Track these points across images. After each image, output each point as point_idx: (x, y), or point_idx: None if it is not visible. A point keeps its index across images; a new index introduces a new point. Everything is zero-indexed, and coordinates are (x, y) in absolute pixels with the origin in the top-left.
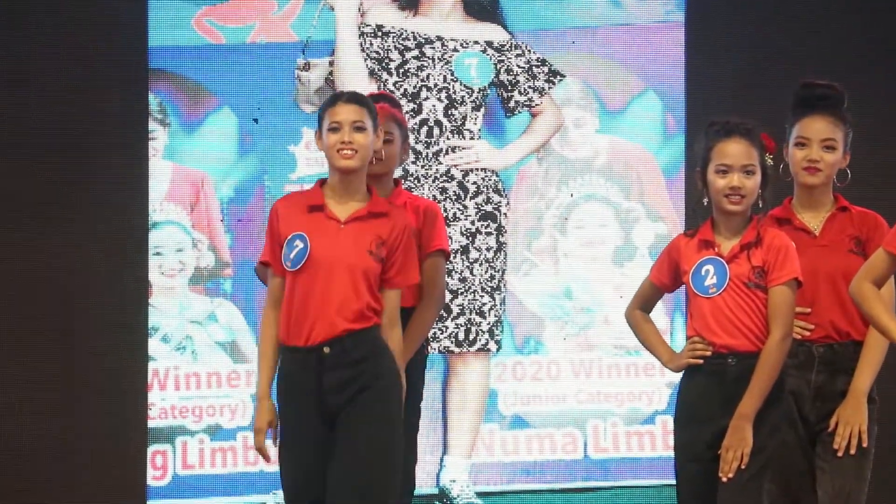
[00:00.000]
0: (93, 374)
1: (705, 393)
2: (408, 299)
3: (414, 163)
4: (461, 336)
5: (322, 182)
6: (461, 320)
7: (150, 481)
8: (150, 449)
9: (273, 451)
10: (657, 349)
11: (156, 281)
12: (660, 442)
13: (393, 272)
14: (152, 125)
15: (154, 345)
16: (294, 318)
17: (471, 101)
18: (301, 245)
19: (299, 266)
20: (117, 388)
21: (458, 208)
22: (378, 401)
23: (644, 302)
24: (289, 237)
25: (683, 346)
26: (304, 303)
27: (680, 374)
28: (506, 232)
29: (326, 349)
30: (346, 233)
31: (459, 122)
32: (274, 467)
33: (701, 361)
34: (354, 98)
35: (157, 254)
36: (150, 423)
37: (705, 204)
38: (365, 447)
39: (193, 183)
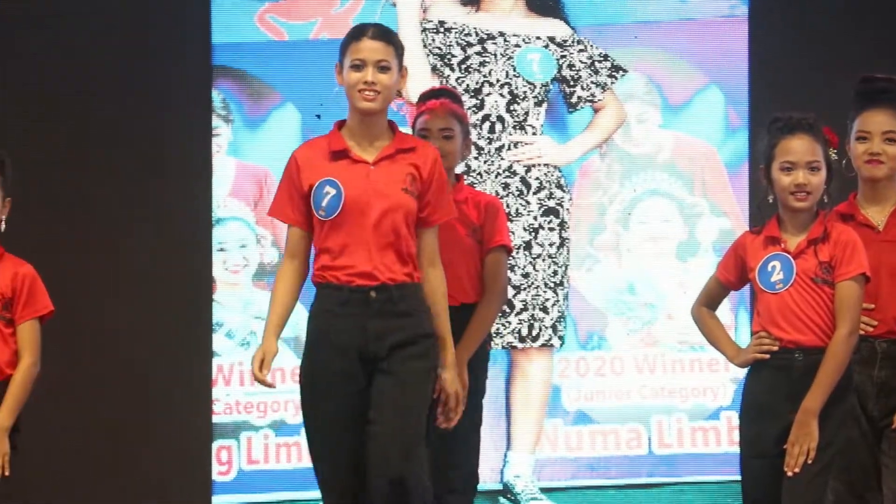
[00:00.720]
0: (158, 369)
1: (771, 388)
2: (470, 295)
3: (476, 158)
4: (524, 332)
5: (340, 124)
6: (524, 316)
7: (215, 476)
8: (215, 444)
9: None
10: (723, 345)
11: (220, 277)
12: (724, 438)
13: (429, 210)
14: (216, 122)
15: (219, 340)
16: (335, 261)
17: (533, 97)
18: (333, 191)
19: (335, 213)
20: (182, 384)
21: (521, 204)
22: (421, 358)
23: (710, 299)
24: (316, 185)
25: (749, 342)
26: (344, 247)
27: (745, 370)
28: (568, 227)
29: (373, 293)
30: (377, 174)
31: (522, 118)
32: None
33: (767, 357)
34: (381, 34)
35: (221, 250)
36: (215, 419)
37: (770, 201)
38: (404, 398)
39: (257, 179)
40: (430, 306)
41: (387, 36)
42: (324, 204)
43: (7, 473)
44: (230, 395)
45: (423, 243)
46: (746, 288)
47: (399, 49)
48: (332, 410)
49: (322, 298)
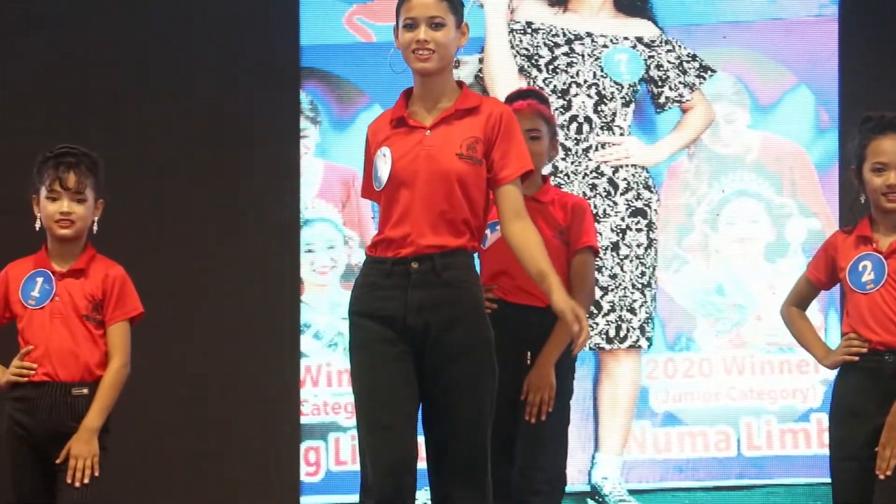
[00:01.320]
0: (246, 370)
1: (861, 390)
2: None
3: (563, 159)
4: (612, 333)
5: (409, 91)
6: (612, 317)
7: (303, 477)
8: (303, 445)
9: None
10: (813, 346)
11: (308, 278)
12: (814, 440)
13: (496, 168)
14: (304, 123)
15: (306, 342)
16: (384, 233)
17: (621, 97)
18: (384, 161)
19: (384, 184)
20: (270, 385)
21: (608, 205)
22: (470, 344)
23: (800, 299)
24: (375, 156)
25: (838, 343)
26: (394, 218)
27: (835, 372)
28: (656, 228)
29: (415, 264)
30: (431, 139)
31: (609, 119)
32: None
33: (857, 359)
34: None
35: (309, 251)
36: (303, 420)
37: (862, 202)
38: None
39: (344, 180)
40: (528, 259)
41: None
42: (378, 175)
43: (97, 474)
44: (318, 396)
45: (500, 202)
46: (836, 289)
47: (456, 4)
48: (376, 378)
49: (367, 271)
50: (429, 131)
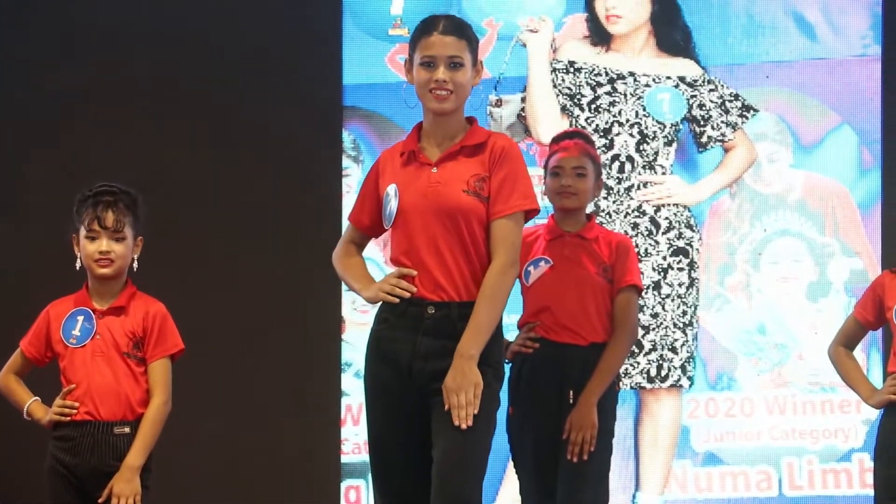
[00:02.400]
0: (287, 408)
1: None
2: (600, 334)
3: (605, 198)
4: (653, 372)
5: (420, 125)
6: (653, 356)
7: None
8: (344, 484)
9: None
10: (858, 385)
11: (349, 317)
12: (856, 480)
13: (491, 202)
14: (346, 162)
15: (347, 380)
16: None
17: (663, 137)
18: (393, 197)
19: (392, 221)
20: (311, 423)
21: (650, 244)
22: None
23: (847, 339)
24: (384, 192)
25: (882, 383)
26: (403, 257)
27: (879, 412)
28: (698, 267)
29: (431, 309)
30: (438, 175)
31: (651, 158)
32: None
33: None
34: (453, 27)
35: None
36: (344, 459)
37: None
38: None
39: None
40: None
41: (459, 30)
42: (386, 211)
43: None
44: (358, 435)
45: (489, 237)
46: (880, 329)
47: (473, 43)
48: (380, 425)
49: (384, 306)
50: (435, 168)
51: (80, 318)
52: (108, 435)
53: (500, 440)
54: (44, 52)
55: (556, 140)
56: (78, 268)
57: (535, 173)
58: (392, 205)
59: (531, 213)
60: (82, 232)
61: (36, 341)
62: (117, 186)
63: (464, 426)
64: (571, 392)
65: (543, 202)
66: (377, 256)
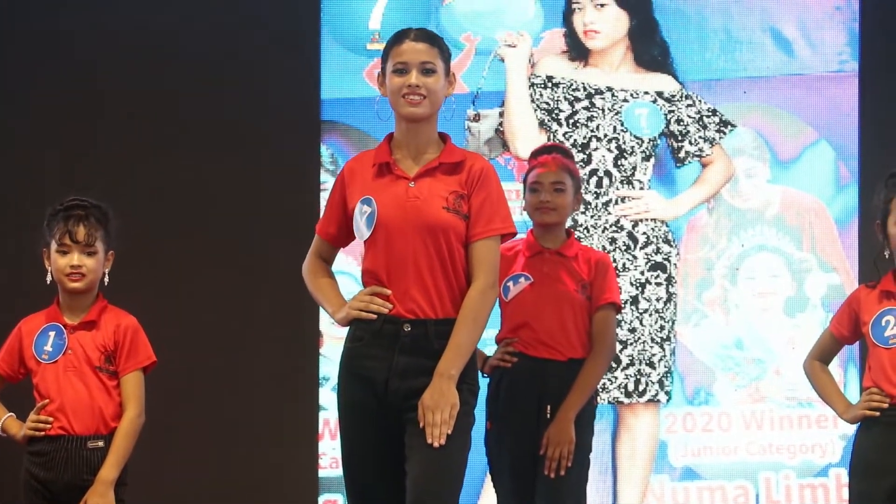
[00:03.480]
0: (264, 423)
1: (883, 445)
2: (578, 350)
3: (583, 213)
4: (630, 387)
5: (391, 136)
6: (631, 371)
7: None
8: (322, 498)
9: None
10: (834, 400)
11: (327, 331)
12: (833, 495)
13: (470, 225)
14: (324, 176)
15: (325, 394)
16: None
17: (641, 152)
18: (368, 210)
19: (369, 234)
20: (288, 438)
21: (628, 258)
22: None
23: (823, 353)
24: (357, 204)
25: (858, 398)
26: (384, 272)
27: (855, 427)
28: (676, 282)
29: (407, 327)
30: (416, 191)
31: (629, 173)
32: None
33: (878, 413)
34: (424, 35)
35: None
36: (321, 473)
37: (886, 256)
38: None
39: None
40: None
41: (431, 38)
42: (360, 224)
43: None
44: (336, 450)
45: (467, 259)
46: (856, 344)
47: (445, 52)
48: (354, 442)
49: (357, 325)
50: (412, 183)
51: (52, 334)
52: (82, 449)
53: (478, 455)
54: (20, 61)
55: (535, 155)
56: (49, 282)
57: (513, 188)
58: (367, 216)
59: (508, 236)
60: (53, 246)
61: (9, 358)
62: (88, 201)
63: (436, 444)
64: (549, 407)
65: (522, 217)
66: (355, 271)
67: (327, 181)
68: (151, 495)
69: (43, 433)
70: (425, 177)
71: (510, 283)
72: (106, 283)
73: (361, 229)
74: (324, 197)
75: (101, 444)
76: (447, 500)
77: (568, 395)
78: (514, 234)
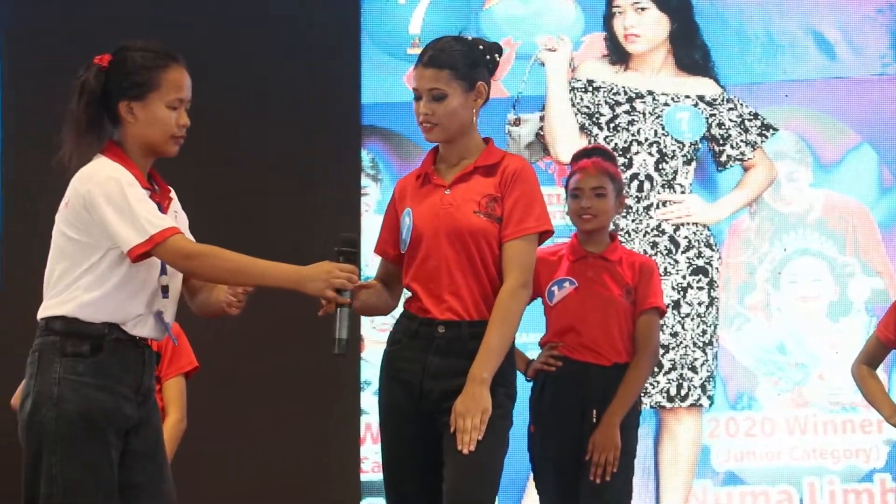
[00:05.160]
0: (306, 428)
1: None
2: (622, 355)
3: (624, 217)
4: (673, 391)
5: (437, 147)
6: (673, 375)
7: None
8: (364, 502)
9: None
10: (881, 405)
11: (368, 335)
12: (878, 500)
13: (503, 226)
14: (365, 181)
15: (366, 399)
16: (413, 291)
17: (682, 155)
18: (408, 222)
19: (407, 245)
20: (331, 442)
21: (670, 262)
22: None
23: (870, 358)
24: (401, 217)
25: None
26: (422, 277)
27: None
28: (717, 286)
29: (441, 329)
30: (451, 197)
31: (670, 176)
32: None
33: None
34: (434, 59)
35: None
36: (363, 477)
37: None
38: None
39: None
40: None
41: (439, 60)
42: (402, 236)
43: None
44: (378, 454)
45: (501, 258)
46: None
47: (460, 69)
48: (393, 445)
49: (396, 326)
50: (448, 190)
51: None
52: None
53: (521, 457)
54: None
55: (575, 159)
56: None
57: (554, 192)
58: (406, 229)
59: (545, 234)
60: None
61: None
62: None
63: (465, 451)
64: (595, 412)
65: (564, 221)
66: None
67: (368, 186)
68: (193, 499)
69: None
70: (460, 183)
71: (554, 288)
72: None
73: (404, 241)
74: (365, 201)
75: None
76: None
77: (613, 401)
78: (552, 233)
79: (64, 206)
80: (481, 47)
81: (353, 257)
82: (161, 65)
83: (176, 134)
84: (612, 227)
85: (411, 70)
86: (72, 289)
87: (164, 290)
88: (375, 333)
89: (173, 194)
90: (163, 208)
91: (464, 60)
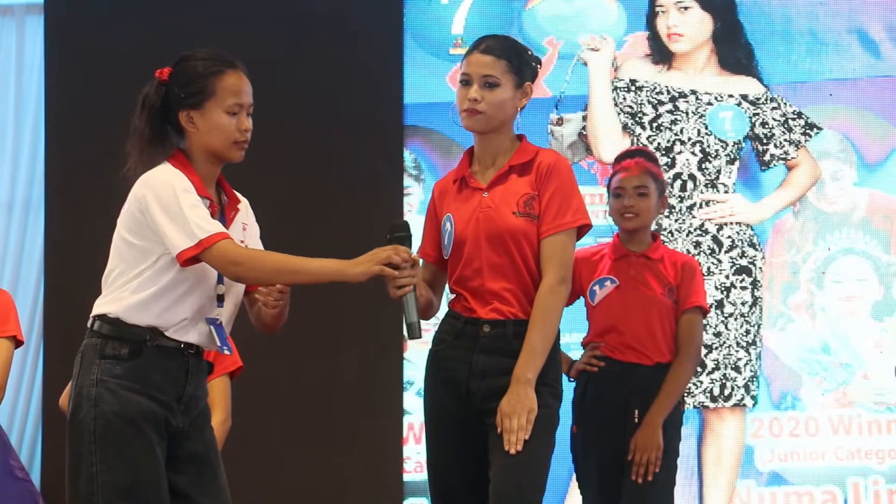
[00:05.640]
0: (348, 427)
1: None
2: (665, 354)
3: (667, 216)
4: (716, 391)
5: (471, 149)
6: (716, 375)
7: None
8: (406, 502)
9: None
10: None
11: None
12: None
13: (540, 222)
14: (407, 181)
15: (409, 399)
16: (457, 293)
17: (725, 155)
18: (449, 228)
19: (450, 250)
20: (374, 442)
21: (713, 262)
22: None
23: None
24: (442, 222)
25: None
26: (464, 279)
27: None
28: (761, 286)
29: (486, 328)
30: (489, 200)
31: (714, 176)
32: None
33: None
34: (494, 48)
35: None
36: (406, 477)
37: None
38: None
39: None
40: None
41: (500, 50)
42: (444, 242)
43: None
44: (420, 454)
45: (539, 255)
46: None
47: (517, 64)
48: (439, 444)
49: (441, 326)
50: (486, 193)
51: None
52: None
53: (564, 457)
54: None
55: (618, 159)
56: None
57: (597, 192)
58: (448, 235)
59: (584, 228)
60: None
61: None
62: None
63: (513, 451)
64: (637, 412)
65: (607, 220)
66: None
67: (411, 186)
68: (237, 499)
69: None
70: (497, 184)
71: (596, 287)
72: None
73: (446, 247)
74: (407, 201)
75: None
76: None
77: (655, 401)
78: (590, 226)
79: (124, 210)
80: (530, 53)
81: (406, 242)
82: (215, 72)
83: (238, 139)
84: (655, 227)
85: (454, 69)
86: (122, 290)
87: (220, 299)
88: None
89: (243, 205)
90: (226, 218)
91: (519, 57)
